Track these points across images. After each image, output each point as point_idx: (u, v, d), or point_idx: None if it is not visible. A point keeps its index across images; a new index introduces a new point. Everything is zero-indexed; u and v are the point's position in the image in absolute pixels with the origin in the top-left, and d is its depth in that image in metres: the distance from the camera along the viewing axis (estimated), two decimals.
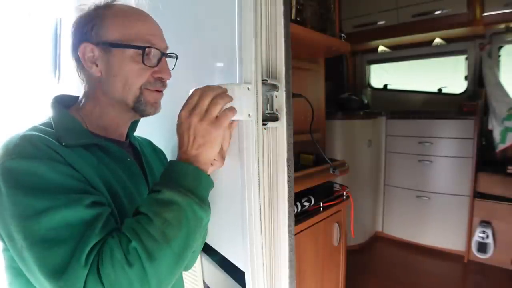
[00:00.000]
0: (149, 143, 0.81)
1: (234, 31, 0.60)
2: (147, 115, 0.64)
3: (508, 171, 2.03)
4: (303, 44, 1.22)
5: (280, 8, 0.61)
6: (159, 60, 0.60)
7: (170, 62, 0.65)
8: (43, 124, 0.57)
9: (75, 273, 0.41)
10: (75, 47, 0.59)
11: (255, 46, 0.58)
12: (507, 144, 2.10)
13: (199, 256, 0.87)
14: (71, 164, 0.50)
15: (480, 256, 2.10)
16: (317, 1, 1.31)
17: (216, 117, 0.53)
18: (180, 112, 0.54)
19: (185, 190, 0.49)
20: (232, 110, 0.54)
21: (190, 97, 0.54)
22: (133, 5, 0.63)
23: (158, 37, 0.61)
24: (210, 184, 0.54)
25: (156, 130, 0.87)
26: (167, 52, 0.64)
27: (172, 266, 0.46)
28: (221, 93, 0.54)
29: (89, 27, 0.58)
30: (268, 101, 0.62)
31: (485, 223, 2.08)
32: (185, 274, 1.01)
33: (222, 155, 0.61)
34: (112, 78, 0.59)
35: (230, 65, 0.63)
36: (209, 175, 0.54)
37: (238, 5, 0.59)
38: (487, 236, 2.05)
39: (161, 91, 0.63)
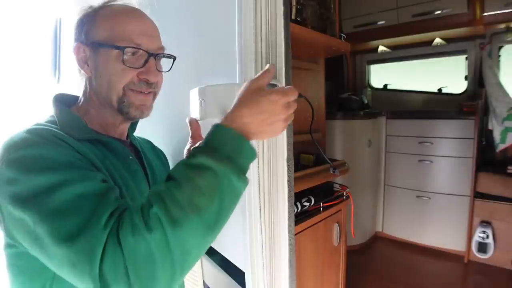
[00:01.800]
0: (149, 143, 0.82)
1: (234, 31, 0.60)
2: (133, 118, 0.62)
3: (508, 171, 2.03)
4: (303, 44, 1.22)
5: (280, 8, 0.61)
6: (146, 61, 0.59)
7: (168, 62, 0.65)
8: (47, 121, 0.57)
9: (93, 236, 0.39)
10: (72, 47, 0.61)
11: (255, 46, 0.58)
12: (507, 144, 2.10)
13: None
14: (79, 152, 0.50)
15: (480, 256, 2.10)
16: (317, 1, 1.31)
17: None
18: (273, 94, 0.48)
19: (223, 156, 0.44)
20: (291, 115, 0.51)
21: (291, 91, 0.50)
22: (134, 5, 0.62)
23: (146, 37, 0.59)
24: (253, 154, 0.48)
25: (156, 130, 0.87)
26: (160, 52, 0.61)
27: (200, 239, 0.42)
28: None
29: (82, 27, 0.59)
30: None
31: (485, 223, 2.08)
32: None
33: None
34: (99, 78, 0.59)
35: (230, 65, 0.63)
36: (253, 146, 0.48)
37: (238, 5, 0.59)
38: (487, 236, 2.05)
39: (148, 93, 0.61)
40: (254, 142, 0.60)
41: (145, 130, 0.79)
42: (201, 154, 0.44)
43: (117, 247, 0.39)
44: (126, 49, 0.56)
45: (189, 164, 0.44)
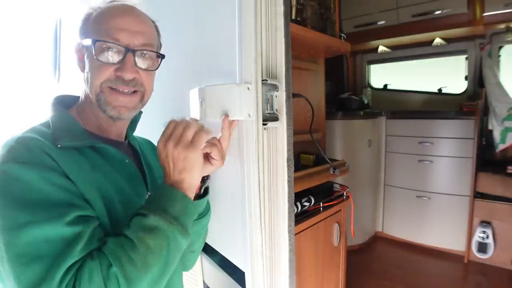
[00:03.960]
0: (149, 143, 0.81)
1: (234, 31, 0.60)
2: (112, 117, 0.60)
3: (508, 171, 2.03)
4: (303, 44, 1.22)
5: (280, 8, 0.61)
6: (124, 57, 0.57)
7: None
8: (42, 124, 0.57)
9: None
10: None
11: (255, 46, 0.58)
12: (507, 144, 2.10)
13: (199, 256, 0.87)
14: (64, 171, 0.49)
15: (480, 256, 2.10)
16: (317, 1, 1.31)
17: (192, 141, 0.53)
18: (157, 143, 0.55)
19: (170, 217, 0.49)
20: (207, 131, 0.54)
21: (166, 128, 0.55)
22: (133, 2, 0.62)
23: (127, 32, 0.56)
24: (195, 211, 0.55)
25: (156, 130, 0.87)
26: (143, 49, 0.59)
27: None
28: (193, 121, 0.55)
29: (80, 29, 0.61)
30: (268, 101, 0.62)
31: (485, 223, 2.08)
32: (185, 274, 1.01)
33: (222, 155, 0.61)
34: (86, 74, 0.60)
35: (230, 65, 0.63)
36: (194, 201, 0.54)
37: (238, 5, 0.59)
38: (487, 236, 2.05)
39: (132, 94, 0.60)
40: (254, 142, 0.60)
41: (145, 130, 0.79)
42: (152, 214, 0.48)
43: None
44: (97, 43, 0.55)
45: (143, 224, 0.48)
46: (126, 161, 0.63)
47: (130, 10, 0.60)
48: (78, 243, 0.45)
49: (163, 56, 0.63)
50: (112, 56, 0.56)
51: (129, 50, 0.57)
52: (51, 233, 0.44)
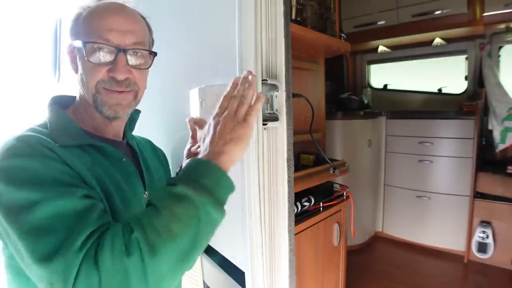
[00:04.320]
0: (148, 142, 0.81)
1: (234, 31, 0.60)
2: (108, 117, 0.60)
3: (508, 171, 2.03)
4: (303, 44, 1.22)
5: (280, 8, 0.61)
6: (116, 57, 0.56)
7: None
8: (39, 125, 0.57)
9: (68, 259, 0.40)
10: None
11: (255, 46, 0.58)
12: (507, 144, 2.10)
13: (199, 256, 0.87)
14: (66, 162, 0.50)
15: (480, 256, 2.10)
16: (317, 1, 1.31)
17: (244, 118, 0.51)
18: (210, 118, 0.53)
19: (202, 187, 0.46)
20: (257, 106, 0.52)
21: (221, 102, 0.53)
22: (123, 0, 0.61)
23: (117, 33, 0.56)
24: (230, 186, 0.50)
25: (156, 130, 0.87)
26: (134, 47, 0.58)
27: (175, 265, 0.44)
28: (248, 93, 0.53)
29: (71, 30, 0.59)
30: (268, 101, 0.62)
31: (485, 223, 2.08)
32: (185, 274, 1.01)
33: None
34: (80, 76, 0.59)
35: (230, 65, 0.63)
36: (228, 176, 0.50)
37: (238, 5, 0.59)
38: (487, 236, 2.05)
39: (122, 92, 0.59)
40: (254, 142, 0.60)
41: (145, 130, 0.79)
42: (181, 184, 0.46)
43: (93, 270, 0.39)
44: (88, 45, 0.55)
45: (170, 192, 0.46)
46: (124, 160, 0.63)
47: (119, 9, 0.59)
48: (93, 212, 0.45)
49: (155, 54, 0.62)
50: (104, 57, 0.56)
51: (120, 50, 0.56)
52: (64, 208, 0.44)
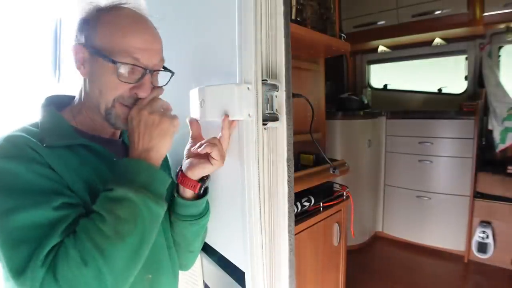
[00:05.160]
0: None
1: (234, 31, 0.60)
2: (118, 128, 0.63)
3: (508, 171, 2.03)
4: (303, 44, 1.22)
5: (280, 8, 0.61)
6: (143, 76, 0.58)
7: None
8: (31, 125, 0.58)
9: (33, 273, 0.42)
10: (72, 46, 0.60)
11: (255, 46, 0.58)
12: (507, 144, 2.10)
13: (199, 256, 0.87)
14: (51, 165, 0.51)
15: (480, 256, 2.10)
16: (317, 1, 1.31)
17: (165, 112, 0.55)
18: (131, 111, 0.56)
19: (138, 186, 0.49)
20: (176, 116, 0.56)
21: (141, 99, 0.56)
22: (142, 10, 0.61)
23: (146, 53, 0.57)
24: (165, 179, 0.54)
25: None
26: (159, 68, 0.61)
27: (128, 261, 0.47)
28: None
29: (84, 28, 0.58)
30: (268, 101, 0.62)
31: (485, 223, 2.08)
32: (185, 274, 1.01)
33: (222, 155, 0.61)
34: (92, 83, 0.59)
35: (230, 65, 0.63)
36: (162, 171, 0.54)
37: (238, 5, 0.59)
38: (487, 236, 2.05)
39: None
40: (254, 142, 0.60)
41: None
42: (118, 187, 0.49)
43: (53, 283, 0.42)
44: (123, 65, 0.56)
45: (110, 197, 0.48)
46: (114, 159, 0.62)
47: (146, 25, 0.59)
48: (62, 225, 0.46)
49: (173, 73, 0.64)
50: (132, 75, 0.57)
51: (147, 71, 0.58)
52: (38, 218, 0.46)
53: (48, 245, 0.44)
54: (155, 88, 0.59)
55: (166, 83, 0.64)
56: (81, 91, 0.63)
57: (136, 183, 0.49)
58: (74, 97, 0.65)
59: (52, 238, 0.45)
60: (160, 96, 0.63)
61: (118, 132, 0.69)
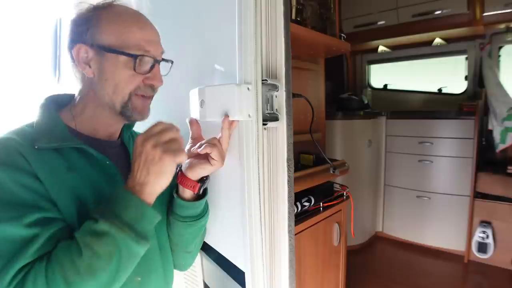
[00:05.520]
0: None
1: (234, 31, 0.60)
2: (134, 121, 0.64)
3: (508, 171, 2.03)
4: (303, 44, 1.22)
5: (280, 8, 0.61)
6: (152, 67, 0.60)
7: (165, 65, 0.65)
8: (28, 125, 0.58)
9: None
10: (71, 46, 0.59)
11: (255, 46, 0.58)
12: (507, 144, 2.10)
13: (198, 256, 0.87)
14: (36, 172, 0.50)
15: (480, 256, 2.10)
16: (317, 1, 1.31)
17: (173, 149, 0.51)
18: (136, 138, 0.52)
19: (122, 224, 0.48)
20: (183, 152, 0.52)
21: (152, 126, 0.53)
22: (133, 6, 0.62)
23: (153, 44, 0.60)
24: (154, 217, 0.52)
25: None
26: (162, 57, 0.63)
27: None
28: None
29: (85, 28, 0.58)
30: (268, 101, 0.62)
31: (485, 223, 2.08)
32: (185, 274, 1.01)
33: (222, 156, 0.61)
34: (104, 81, 0.58)
35: (230, 65, 0.63)
36: (152, 208, 0.51)
37: (238, 5, 0.59)
38: (487, 236, 2.05)
39: (149, 97, 0.63)
40: (254, 142, 0.60)
41: (139, 130, 0.79)
42: (102, 220, 0.47)
43: None
44: (139, 57, 0.57)
45: (92, 229, 0.47)
46: (107, 162, 0.61)
47: (146, 19, 0.61)
48: (33, 245, 0.46)
49: (172, 62, 0.66)
50: (145, 67, 0.59)
51: (156, 61, 0.61)
52: (10, 233, 0.45)
53: (17, 265, 0.44)
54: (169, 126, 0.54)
55: (167, 73, 0.66)
56: (83, 90, 0.62)
57: (121, 219, 0.48)
58: (73, 95, 0.64)
59: (22, 259, 0.44)
60: (159, 92, 0.64)
61: (117, 133, 0.68)
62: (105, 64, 0.58)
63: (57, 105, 0.63)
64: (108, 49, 0.57)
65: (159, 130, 0.52)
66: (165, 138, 0.51)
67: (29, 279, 0.43)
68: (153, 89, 0.62)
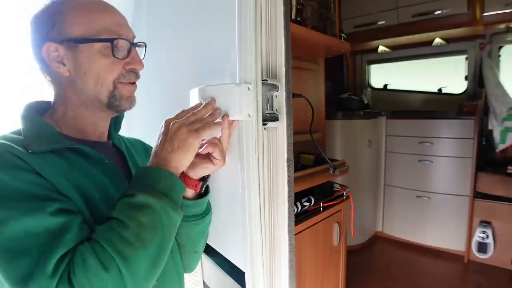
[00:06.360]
0: (140, 143, 0.79)
1: (234, 31, 0.60)
2: (122, 110, 0.62)
3: (508, 171, 2.03)
4: (303, 44, 1.22)
5: (280, 8, 0.61)
6: (129, 51, 0.58)
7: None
8: (13, 132, 0.55)
9: (42, 285, 0.40)
10: (38, 48, 0.56)
11: (255, 46, 0.58)
12: (507, 144, 2.10)
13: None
14: (38, 171, 0.48)
15: (480, 256, 2.10)
16: (317, 1, 1.31)
17: (196, 129, 0.54)
18: (165, 120, 0.55)
19: (159, 193, 0.49)
20: (212, 126, 0.56)
21: (177, 113, 0.57)
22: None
23: (124, 27, 0.58)
24: (183, 188, 0.54)
25: (156, 130, 0.87)
26: (137, 41, 0.61)
27: (149, 270, 0.46)
28: (210, 118, 0.57)
29: (49, 25, 0.55)
30: (268, 101, 0.62)
31: (485, 223, 2.08)
32: (186, 274, 1.01)
33: (222, 155, 0.61)
34: (83, 75, 0.56)
35: (230, 65, 0.63)
36: (181, 180, 0.54)
37: (238, 5, 0.59)
38: (487, 236, 2.05)
39: (134, 83, 0.62)
40: (254, 142, 0.61)
41: (145, 130, 0.79)
42: (140, 193, 0.48)
43: None
44: (115, 41, 0.55)
45: (131, 203, 0.48)
46: (106, 161, 0.60)
47: (111, 5, 0.59)
48: (68, 232, 0.44)
49: (145, 45, 0.64)
50: (122, 51, 0.57)
51: (133, 44, 0.59)
52: (33, 226, 0.43)
53: (56, 254, 0.42)
54: (210, 101, 0.59)
55: (144, 56, 0.63)
56: (60, 93, 0.60)
57: (156, 189, 0.49)
58: (50, 102, 0.62)
59: (59, 247, 0.42)
60: (154, 91, 0.63)
61: (105, 134, 0.67)
62: (80, 57, 0.55)
63: (38, 112, 0.60)
64: (79, 40, 0.54)
65: (184, 114, 0.56)
66: (190, 120, 0.55)
67: (77, 262, 0.42)
68: (136, 74, 0.61)
